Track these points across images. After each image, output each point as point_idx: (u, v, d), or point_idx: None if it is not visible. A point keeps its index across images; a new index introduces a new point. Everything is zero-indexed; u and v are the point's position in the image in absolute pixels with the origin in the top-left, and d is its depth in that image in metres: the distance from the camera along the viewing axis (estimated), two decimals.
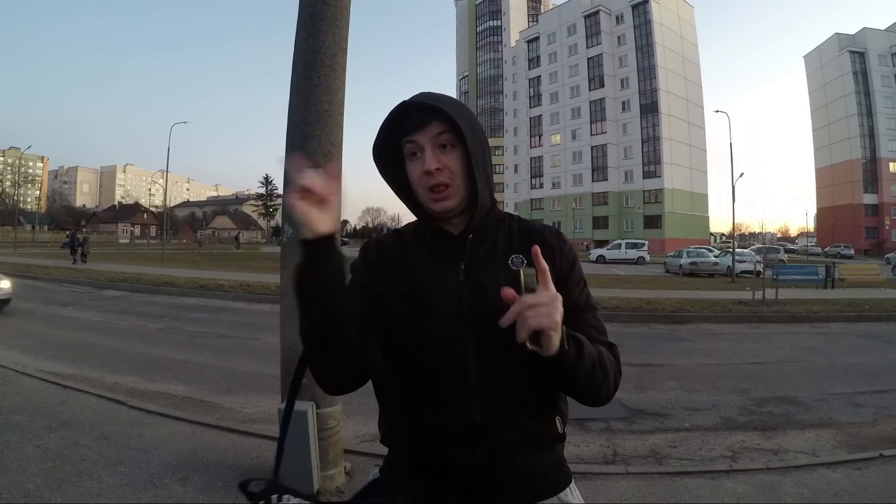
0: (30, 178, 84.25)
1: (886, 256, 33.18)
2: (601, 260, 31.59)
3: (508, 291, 0.70)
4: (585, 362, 0.78)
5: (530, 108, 65.99)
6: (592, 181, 59.27)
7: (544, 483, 0.89)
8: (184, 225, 70.34)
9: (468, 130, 0.85)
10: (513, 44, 73.96)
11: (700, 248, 26.96)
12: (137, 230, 73.07)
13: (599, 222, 58.57)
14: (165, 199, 39.06)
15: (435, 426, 0.85)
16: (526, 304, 0.69)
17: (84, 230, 26.11)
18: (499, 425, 0.84)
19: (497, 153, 75.63)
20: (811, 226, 67.88)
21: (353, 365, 0.83)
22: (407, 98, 0.89)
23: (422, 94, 0.89)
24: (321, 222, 0.75)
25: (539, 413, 0.88)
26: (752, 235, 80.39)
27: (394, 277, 0.89)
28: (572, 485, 0.93)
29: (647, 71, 56.14)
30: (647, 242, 33.88)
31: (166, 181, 35.13)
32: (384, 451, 0.96)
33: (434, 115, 0.85)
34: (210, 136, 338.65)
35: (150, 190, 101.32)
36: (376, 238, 1.00)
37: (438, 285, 0.87)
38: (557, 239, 0.94)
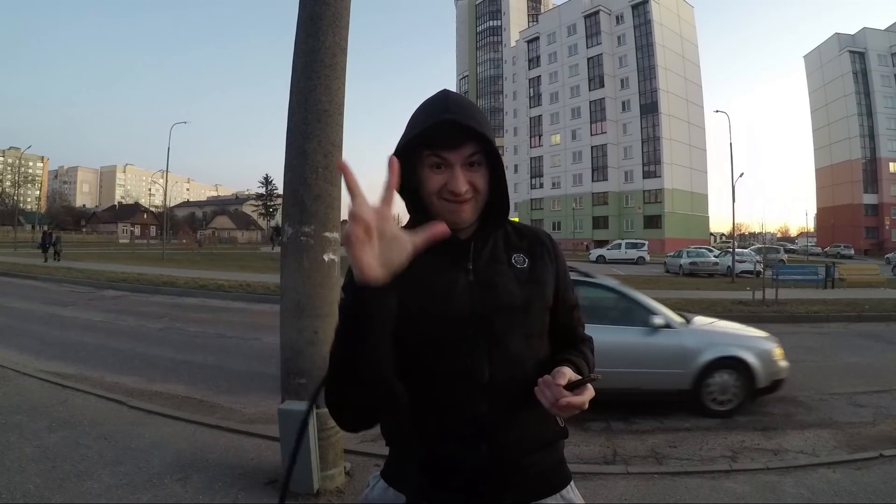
0: (30, 178, 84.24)
1: (886, 256, 33.16)
2: (601, 260, 31.56)
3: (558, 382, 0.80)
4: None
5: (530, 108, 65.96)
6: (592, 181, 59.25)
7: (546, 482, 0.90)
8: (184, 225, 70.33)
9: (497, 151, 0.87)
10: (513, 44, 73.94)
11: (700, 248, 26.96)
12: (137, 230, 73.01)
13: (599, 222, 58.56)
14: (165, 199, 39.04)
15: (442, 424, 0.85)
16: (565, 404, 0.78)
17: (56, 232, 25.66)
18: (506, 421, 0.85)
19: None
20: (811, 226, 67.95)
21: (378, 401, 0.80)
22: (437, 106, 0.85)
23: (456, 107, 0.84)
24: (381, 264, 0.68)
25: (543, 408, 0.89)
26: (752, 235, 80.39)
27: (402, 280, 0.84)
28: (572, 483, 0.95)
29: (647, 71, 56.12)
30: (647, 242, 33.86)
31: (166, 181, 35.13)
32: (384, 451, 0.95)
33: (469, 136, 0.83)
34: (210, 136, 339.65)
35: (150, 190, 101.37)
36: None
37: (450, 286, 0.87)
38: (551, 242, 1.00)
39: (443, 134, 0.83)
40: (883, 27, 60.29)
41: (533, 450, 0.88)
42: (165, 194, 37.24)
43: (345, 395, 0.77)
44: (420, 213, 0.91)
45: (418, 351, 0.85)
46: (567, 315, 0.98)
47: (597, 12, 59.02)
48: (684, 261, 22.47)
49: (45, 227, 28.00)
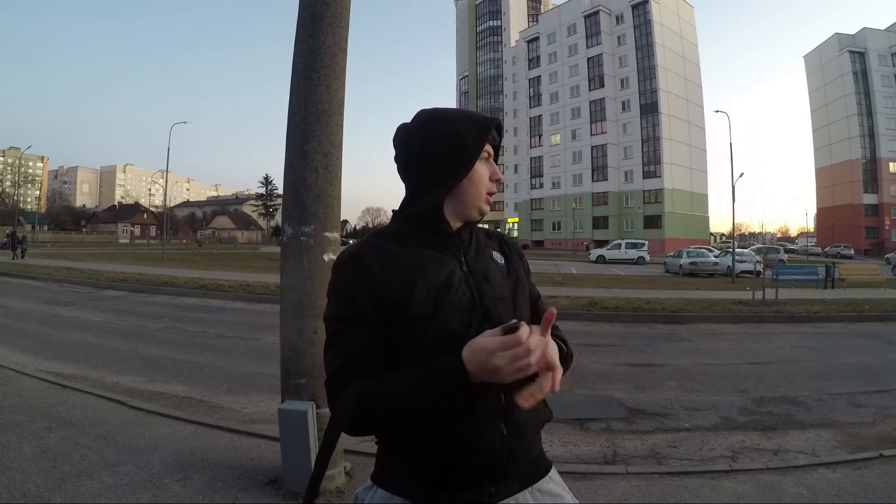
0: (30, 178, 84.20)
1: (886, 256, 33.18)
2: (601, 260, 31.58)
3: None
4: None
5: (530, 108, 65.95)
6: (592, 181, 59.24)
7: (540, 463, 0.96)
8: (184, 225, 70.34)
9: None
10: (513, 44, 73.94)
11: (700, 248, 26.96)
12: (137, 230, 73.08)
13: (599, 222, 58.54)
14: (165, 199, 39.05)
15: (460, 411, 0.82)
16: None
17: (21, 233, 27.27)
18: (515, 403, 0.86)
19: None
20: (811, 226, 67.99)
21: None
22: (475, 112, 1.00)
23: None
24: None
25: None
26: (752, 235, 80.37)
27: (405, 278, 0.87)
28: (553, 466, 1.01)
29: (647, 71, 56.10)
30: (647, 242, 33.88)
31: (166, 181, 35.14)
32: None
33: (496, 130, 0.96)
34: (210, 136, 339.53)
35: (150, 190, 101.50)
36: (363, 245, 0.93)
37: (449, 277, 0.90)
38: (512, 241, 1.10)
39: (487, 129, 0.94)
40: (883, 27, 60.31)
41: (536, 430, 0.95)
42: (165, 194, 37.24)
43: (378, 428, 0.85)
44: (423, 204, 0.93)
45: (433, 343, 0.85)
46: (537, 307, 1.03)
47: (597, 12, 59.00)
48: (684, 261, 22.48)
49: (14, 231, 28.76)
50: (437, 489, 0.85)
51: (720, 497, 2.72)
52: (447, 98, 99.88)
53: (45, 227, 64.02)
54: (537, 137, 65.14)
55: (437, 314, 0.86)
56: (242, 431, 3.49)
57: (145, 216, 78.77)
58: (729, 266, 20.75)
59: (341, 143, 2.81)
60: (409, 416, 0.79)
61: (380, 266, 0.88)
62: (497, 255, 1.00)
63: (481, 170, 0.95)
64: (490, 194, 0.96)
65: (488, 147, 0.95)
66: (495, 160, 1.00)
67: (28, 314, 8.67)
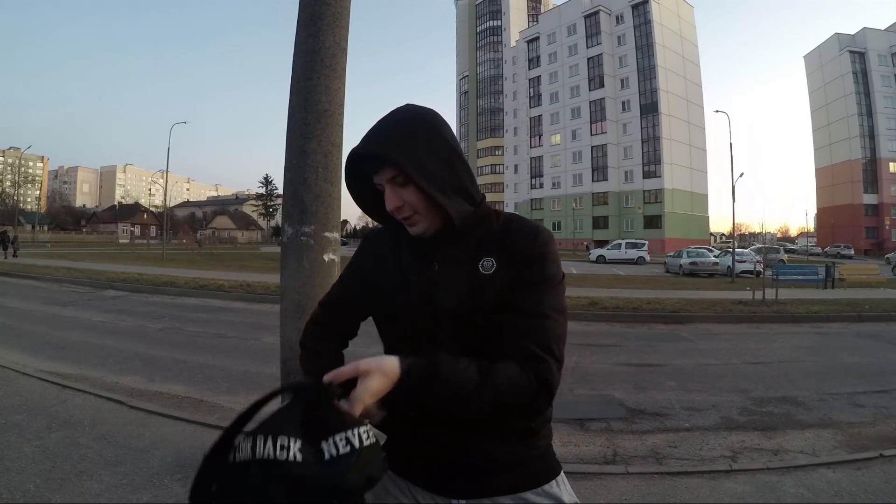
0: (30, 178, 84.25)
1: (886, 256, 33.18)
2: (601, 260, 31.60)
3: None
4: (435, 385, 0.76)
5: (530, 108, 65.97)
6: (592, 181, 59.27)
7: (528, 473, 0.90)
8: (184, 225, 70.32)
9: (417, 169, 0.84)
10: (513, 44, 73.96)
11: (700, 248, 26.95)
12: (137, 230, 73.12)
13: (599, 222, 58.58)
14: (165, 199, 39.09)
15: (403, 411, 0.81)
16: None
17: (12, 232, 27.42)
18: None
19: (497, 153, 75.75)
20: (811, 226, 68.06)
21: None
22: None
23: (369, 135, 0.88)
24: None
25: None
26: (752, 235, 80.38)
27: (383, 271, 0.98)
28: (560, 477, 0.92)
29: (647, 71, 56.14)
30: (647, 242, 33.89)
31: (166, 181, 35.15)
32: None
33: (383, 160, 0.86)
34: (210, 136, 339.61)
35: (150, 190, 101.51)
36: (376, 229, 1.07)
37: (411, 280, 0.93)
38: (534, 241, 0.89)
39: (369, 161, 0.89)
40: (883, 27, 60.40)
41: (507, 439, 0.89)
42: (165, 194, 37.27)
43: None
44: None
45: (391, 340, 0.96)
46: (514, 319, 0.85)
47: (597, 12, 59.04)
48: (684, 261, 22.48)
49: (4, 230, 28.82)
50: (394, 464, 0.91)
51: (720, 497, 2.72)
52: (448, 98, 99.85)
53: (45, 227, 64.01)
54: (537, 137, 65.16)
55: (387, 308, 0.95)
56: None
57: (145, 216, 78.76)
58: (729, 266, 20.75)
59: (341, 143, 2.81)
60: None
61: (371, 251, 1.03)
62: (488, 264, 0.88)
63: (385, 198, 0.91)
64: (404, 218, 0.90)
65: (378, 181, 0.90)
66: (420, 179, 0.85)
67: (28, 314, 8.67)
